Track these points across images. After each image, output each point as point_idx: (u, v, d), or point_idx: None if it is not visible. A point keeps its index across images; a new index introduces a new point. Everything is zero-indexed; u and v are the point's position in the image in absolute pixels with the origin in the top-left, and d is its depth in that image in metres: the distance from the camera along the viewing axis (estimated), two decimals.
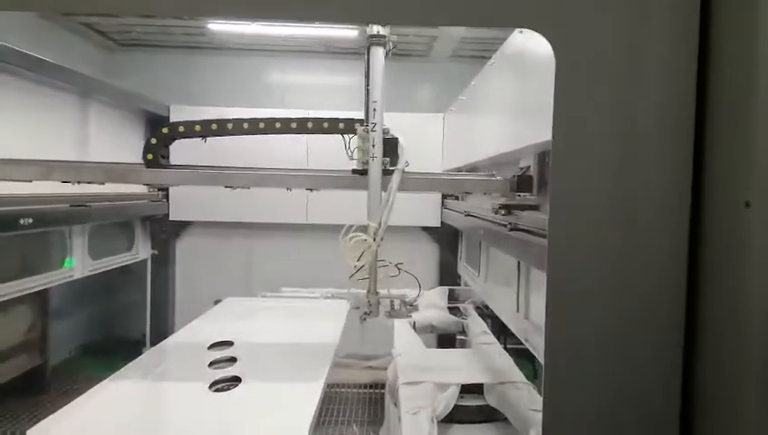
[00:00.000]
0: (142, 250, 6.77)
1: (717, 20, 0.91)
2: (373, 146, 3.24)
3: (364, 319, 3.48)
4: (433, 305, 5.29)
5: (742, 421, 0.86)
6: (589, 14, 0.93)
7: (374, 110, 3.25)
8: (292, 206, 6.53)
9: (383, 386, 4.92)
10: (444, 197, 6.65)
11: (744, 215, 0.84)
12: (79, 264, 5.41)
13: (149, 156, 3.35)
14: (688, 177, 0.94)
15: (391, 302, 3.58)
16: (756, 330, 0.84)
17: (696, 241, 0.94)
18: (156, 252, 6.91)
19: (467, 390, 3.46)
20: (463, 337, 5.15)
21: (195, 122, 3.44)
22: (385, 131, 3.26)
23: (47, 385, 5.62)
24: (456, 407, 3.36)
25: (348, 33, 6.19)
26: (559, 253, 0.96)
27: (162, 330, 6.87)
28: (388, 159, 3.28)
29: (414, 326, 4.84)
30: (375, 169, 3.27)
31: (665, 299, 0.95)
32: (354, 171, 3.37)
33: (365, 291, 3.47)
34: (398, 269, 3.54)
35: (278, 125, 3.48)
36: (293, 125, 3.49)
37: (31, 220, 4.18)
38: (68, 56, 5.66)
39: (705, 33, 0.92)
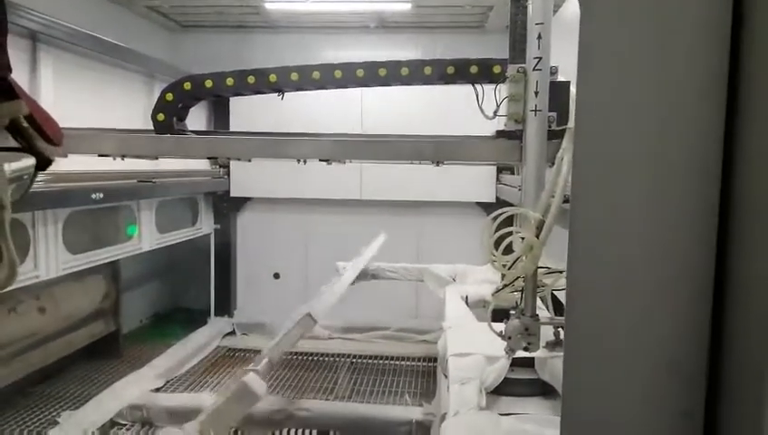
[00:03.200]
0: (205, 225, 7.05)
1: None
2: (535, 93, 2.18)
3: (511, 354, 2.50)
4: (486, 280, 5.26)
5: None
6: None
7: (539, 37, 2.13)
8: (347, 182, 6.62)
9: (436, 360, 4.96)
10: (499, 171, 6.54)
11: None
12: (147, 236, 5.70)
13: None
14: (719, 155, 0.89)
15: (556, 329, 2.44)
16: None
17: (725, 223, 0.90)
18: (218, 226, 7.18)
19: (519, 363, 3.42)
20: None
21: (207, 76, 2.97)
22: (552, 71, 2.24)
23: (120, 350, 6.00)
24: (506, 379, 3.33)
25: (401, 6, 6.14)
26: (583, 222, 0.93)
27: (225, 300, 7.18)
28: (554, 114, 2.23)
29: (466, 301, 4.84)
30: (536, 129, 2.21)
31: (692, 283, 0.92)
32: (500, 133, 2.49)
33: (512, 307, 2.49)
34: None
35: (383, 71, 2.64)
36: (382, 71, 2.60)
37: (102, 195, 4.42)
38: (134, 38, 5.90)
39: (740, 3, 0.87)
